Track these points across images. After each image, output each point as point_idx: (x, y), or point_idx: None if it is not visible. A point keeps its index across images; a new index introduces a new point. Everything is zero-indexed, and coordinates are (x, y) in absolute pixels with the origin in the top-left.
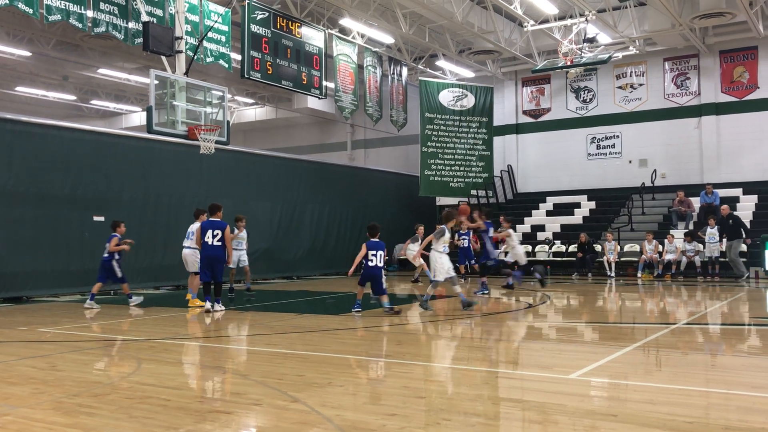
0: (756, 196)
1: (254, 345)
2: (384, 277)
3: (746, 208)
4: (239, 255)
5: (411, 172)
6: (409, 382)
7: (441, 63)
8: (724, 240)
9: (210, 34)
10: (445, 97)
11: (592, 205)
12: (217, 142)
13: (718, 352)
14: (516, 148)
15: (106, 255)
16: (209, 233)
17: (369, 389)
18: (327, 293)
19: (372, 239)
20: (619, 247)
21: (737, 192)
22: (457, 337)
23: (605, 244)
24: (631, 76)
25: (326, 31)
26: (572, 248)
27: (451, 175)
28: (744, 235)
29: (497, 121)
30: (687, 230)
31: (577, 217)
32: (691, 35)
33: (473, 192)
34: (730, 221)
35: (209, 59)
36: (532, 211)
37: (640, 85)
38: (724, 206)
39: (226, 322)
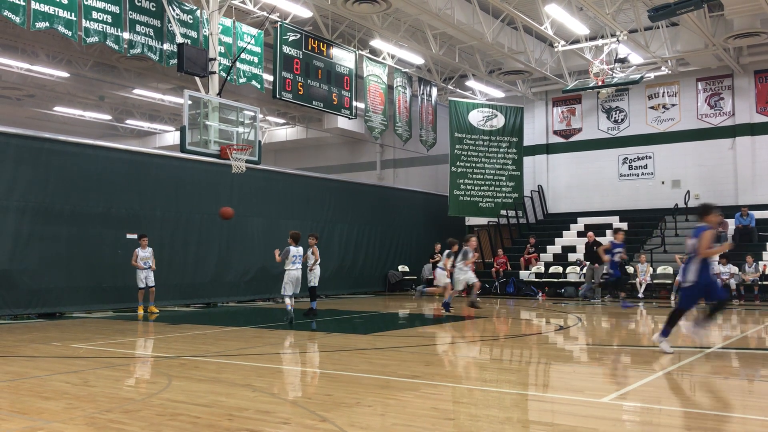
0: None
1: (283, 363)
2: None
3: None
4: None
5: (440, 192)
6: (438, 404)
7: (471, 83)
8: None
9: (243, 56)
10: (475, 117)
11: (624, 226)
12: (248, 161)
13: (756, 377)
14: (546, 169)
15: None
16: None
17: (397, 410)
18: (355, 312)
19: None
20: (651, 269)
21: None
22: (487, 358)
23: (637, 266)
24: (663, 96)
25: (357, 52)
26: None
27: (481, 195)
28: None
29: (527, 141)
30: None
31: (608, 238)
32: (724, 55)
33: (503, 212)
34: (594, 248)
35: (242, 80)
36: (563, 232)
37: (673, 105)
38: (590, 233)
39: (253, 340)
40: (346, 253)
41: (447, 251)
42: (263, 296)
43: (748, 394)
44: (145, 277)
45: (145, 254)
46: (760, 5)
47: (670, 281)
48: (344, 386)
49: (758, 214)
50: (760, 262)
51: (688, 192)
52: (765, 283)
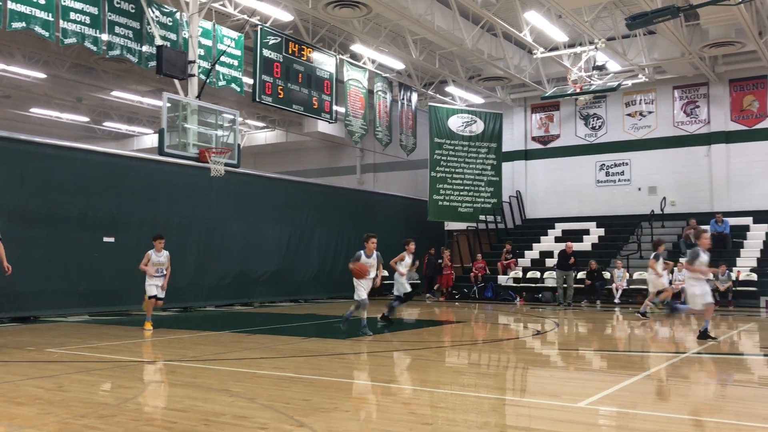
0: (766, 224)
1: (261, 368)
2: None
3: (756, 237)
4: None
5: (420, 197)
6: (417, 408)
7: (450, 89)
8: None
9: (222, 59)
10: (455, 123)
11: (601, 231)
12: (227, 164)
13: (729, 382)
14: (525, 174)
15: None
16: None
17: (376, 415)
18: (334, 317)
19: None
20: (628, 274)
21: (747, 220)
22: (465, 363)
23: (614, 272)
24: (640, 103)
25: (337, 56)
26: (581, 275)
27: (460, 200)
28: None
29: (506, 147)
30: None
31: (585, 244)
32: (700, 64)
33: (481, 217)
34: (572, 259)
35: (221, 83)
36: (541, 238)
37: (650, 112)
38: (568, 243)
39: (231, 345)
40: (326, 257)
41: (654, 253)
42: (242, 300)
43: (723, 399)
44: (158, 286)
45: (159, 259)
46: (735, 15)
47: (645, 287)
48: (322, 391)
49: (733, 221)
50: (734, 269)
51: (664, 198)
52: (739, 289)
